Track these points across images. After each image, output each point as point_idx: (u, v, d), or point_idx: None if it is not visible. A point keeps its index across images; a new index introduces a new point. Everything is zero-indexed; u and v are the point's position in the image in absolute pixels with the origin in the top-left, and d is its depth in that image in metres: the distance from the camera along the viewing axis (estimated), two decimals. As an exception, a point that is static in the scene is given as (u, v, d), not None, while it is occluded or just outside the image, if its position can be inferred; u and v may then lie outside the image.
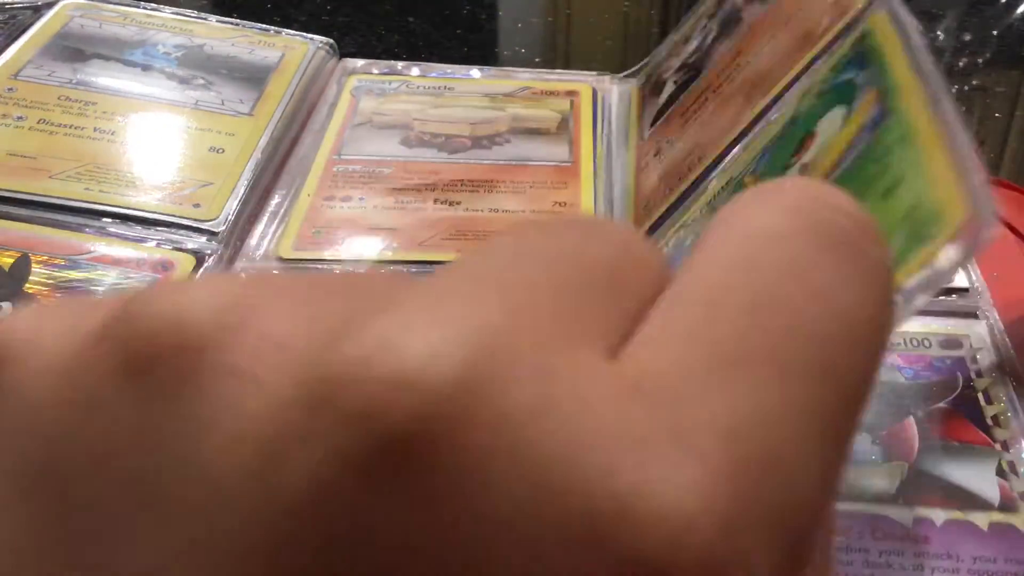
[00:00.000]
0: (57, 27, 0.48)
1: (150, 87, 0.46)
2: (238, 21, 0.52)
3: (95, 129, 0.43)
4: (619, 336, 0.12)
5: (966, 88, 0.55)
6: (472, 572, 0.10)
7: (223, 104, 0.45)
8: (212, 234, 0.39)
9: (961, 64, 0.57)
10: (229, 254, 0.38)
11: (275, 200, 0.41)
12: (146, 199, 0.40)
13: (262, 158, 0.43)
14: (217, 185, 0.41)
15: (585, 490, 0.10)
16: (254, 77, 0.47)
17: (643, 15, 0.64)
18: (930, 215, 0.18)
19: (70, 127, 0.43)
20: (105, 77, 0.46)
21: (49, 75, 0.45)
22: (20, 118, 0.42)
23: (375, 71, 0.50)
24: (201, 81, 0.47)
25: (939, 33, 0.60)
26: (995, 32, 0.60)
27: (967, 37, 0.59)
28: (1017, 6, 0.62)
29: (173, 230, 0.39)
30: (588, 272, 0.13)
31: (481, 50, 0.58)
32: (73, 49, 0.47)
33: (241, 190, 0.41)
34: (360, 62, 0.50)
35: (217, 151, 0.43)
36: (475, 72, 0.50)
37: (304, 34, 0.51)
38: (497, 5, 0.65)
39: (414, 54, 0.56)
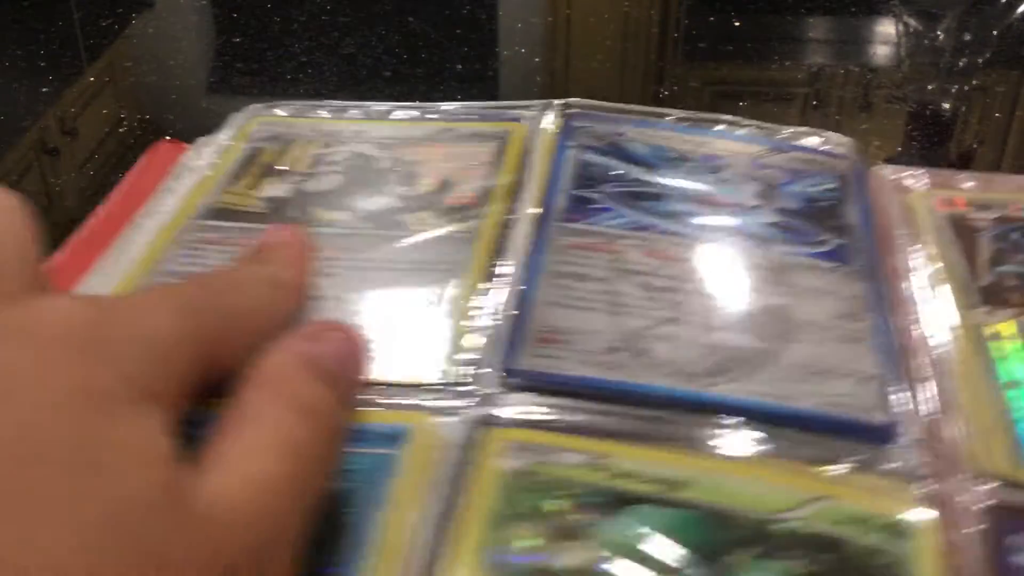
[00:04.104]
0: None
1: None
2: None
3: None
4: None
5: (966, 88, 0.55)
6: None
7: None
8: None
9: (961, 64, 0.57)
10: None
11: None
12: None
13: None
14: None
15: None
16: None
17: (643, 15, 0.64)
18: None
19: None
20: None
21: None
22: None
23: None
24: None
25: (939, 33, 0.60)
26: (995, 32, 0.60)
27: (967, 37, 0.59)
28: (1017, 6, 0.62)
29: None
30: None
31: (481, 50, 0.58)
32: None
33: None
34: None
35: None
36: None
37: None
38: (497, 5, 0.65)
39: (414, 54, 0.56)
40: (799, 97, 0.54)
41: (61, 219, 0.43)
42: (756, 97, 0.53)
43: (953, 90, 0.54)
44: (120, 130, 0.50)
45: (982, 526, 0.22)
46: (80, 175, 0.47)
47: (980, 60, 0.57)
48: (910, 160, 0.48)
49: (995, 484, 0.24)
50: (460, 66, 0.55)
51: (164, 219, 0.35)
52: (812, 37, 0.61)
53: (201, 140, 0.41)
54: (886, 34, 0.61)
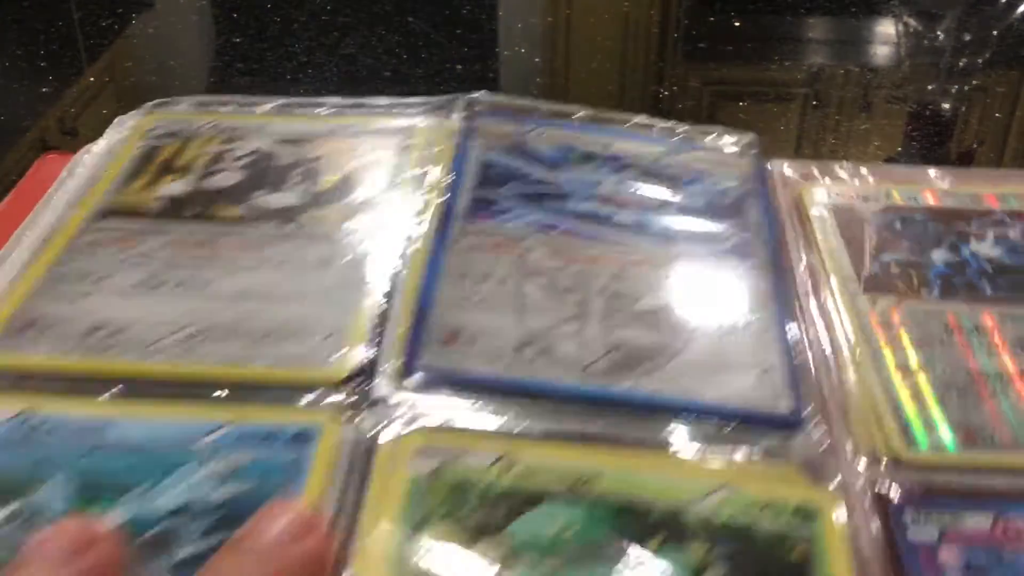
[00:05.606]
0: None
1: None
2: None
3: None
4: None
5: (966, 88, 0.55)
6: None
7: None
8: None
9: (961, 64, 0.57)
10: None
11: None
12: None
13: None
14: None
15: None
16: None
17: (643, 15, 0.64)
18: None
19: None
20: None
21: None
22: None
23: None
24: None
25: (939, 33, 0.60)
26: (995, 32, 0.60)
27: (967, 37, 0.59)
28: (1017, 6, 0.62)
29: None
30: None
31: (481, 50, 0.58)
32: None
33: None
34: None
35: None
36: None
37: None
38: (497, 5, 0.65)
39: (414, 54, 0.56)
40: (799, 97, 0.54)
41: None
42: (756, 97, 0.53)
43: (953, 90, 0.54)
44: (120, 130, 0.50)
45: (879, 506, 0.24)
46: (80, 175, 0.47)
47: (980, 60, 0.57)
48: (910, 159, 0.48)
49: (888, 465, 0.25)
50: (460, 66, 0.55)
51: (56, 223, 0.34)
52: (812, 37, 0.61)
53: (87, 148, 0.40)
54: (886, 34, 0.61)
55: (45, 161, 0.40)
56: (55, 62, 0.56)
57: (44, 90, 0.53)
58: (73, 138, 0.50)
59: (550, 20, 0.64)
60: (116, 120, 0.40)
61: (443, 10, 0.62)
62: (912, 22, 0.61)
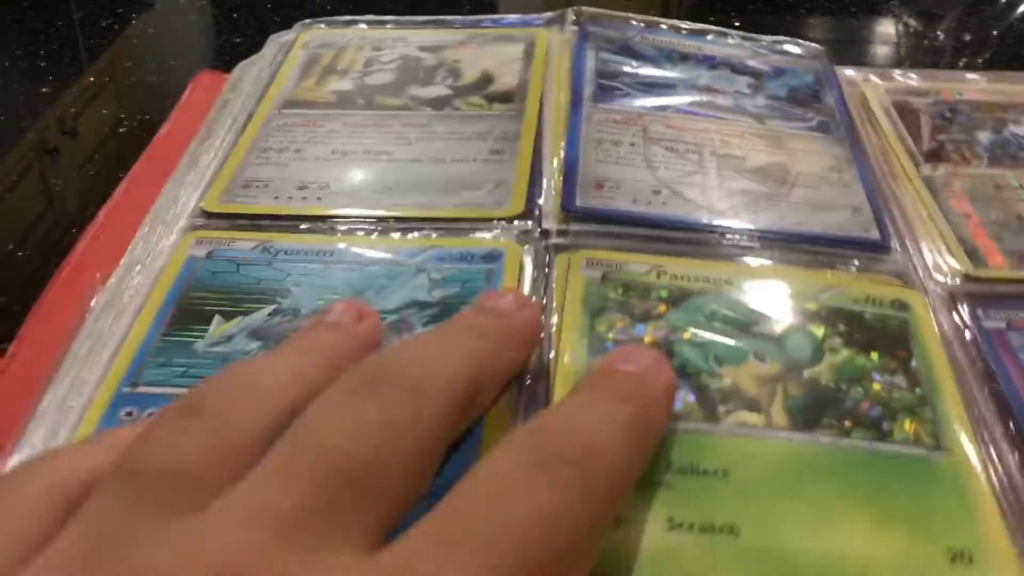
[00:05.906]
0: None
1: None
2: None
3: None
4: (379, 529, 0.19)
5: (966, 88, 0.55)
6: None
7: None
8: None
9: (961, 64, 0.57)
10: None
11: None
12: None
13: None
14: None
15: None
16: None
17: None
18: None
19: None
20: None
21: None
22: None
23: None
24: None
25: (939, 33, 0.60)
26: (995, 32, 0.60)
27: (967, 37, 0.59)
28: (1017, 6, 0.62)
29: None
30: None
31: (481, 50, 0.58)
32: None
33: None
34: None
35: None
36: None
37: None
38: (497, 5, 0.65)
39: (414, 54, 0.56)
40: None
41: (61, 219, 0.43)
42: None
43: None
44: (120, 130, 0.50)
45: (956, 309, 0.31)
46: (80, 175, 0.47)
47: (980, 60, 0.57)
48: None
49: (960, 280, 0.33)
50: (460, 66, 0.55)
51: (242, 115, 0.41)
52: (812, 37, 0.61)
53: (243, 63, 0.46)
54: (886, 34, 0.61)
55: (202, 79, 0.47)
56: (55, 62, 0.56)
57: (44, 90, 0.53)
58: (73, 138, 0.50)
59: (550, 20, 0.64)
60: (270, 38, 0.48)
61: (443, 10, 0.62)
62: (912, 22, 0.61)
